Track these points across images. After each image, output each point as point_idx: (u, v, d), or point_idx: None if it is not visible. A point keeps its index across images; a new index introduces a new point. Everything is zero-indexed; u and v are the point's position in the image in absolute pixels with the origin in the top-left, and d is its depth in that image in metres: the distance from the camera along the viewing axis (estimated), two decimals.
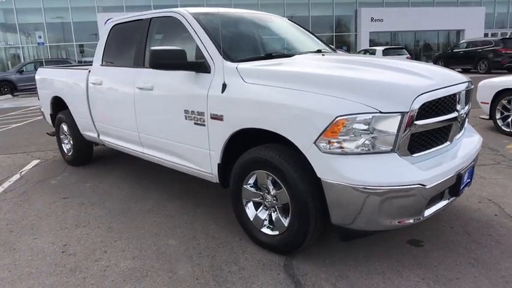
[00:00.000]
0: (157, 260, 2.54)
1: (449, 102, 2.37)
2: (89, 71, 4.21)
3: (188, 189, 3.88)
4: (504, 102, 5.73)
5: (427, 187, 2.08)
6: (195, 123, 2.85)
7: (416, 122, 2.13)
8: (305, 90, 2.20)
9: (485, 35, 26.59)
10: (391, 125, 2.06)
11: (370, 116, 2.03)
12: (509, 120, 5.68)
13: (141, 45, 3.46)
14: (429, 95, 2.19)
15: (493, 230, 2.77)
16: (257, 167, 2.48)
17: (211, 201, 3.52)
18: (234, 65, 2.64)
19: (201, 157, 2.91)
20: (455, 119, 2.41)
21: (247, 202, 2.66)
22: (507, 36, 18.24)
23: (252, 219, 2.63)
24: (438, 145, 2.37)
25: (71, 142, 4.96)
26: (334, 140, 2.08)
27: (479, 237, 2.68)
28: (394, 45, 24.52)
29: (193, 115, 2.83)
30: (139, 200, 3.66)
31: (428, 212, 2.21)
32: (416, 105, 2.11)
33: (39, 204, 3.69)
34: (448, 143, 2.45)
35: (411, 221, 2.16)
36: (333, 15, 24.84)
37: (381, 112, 2.03)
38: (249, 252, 2.59)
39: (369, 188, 2.02)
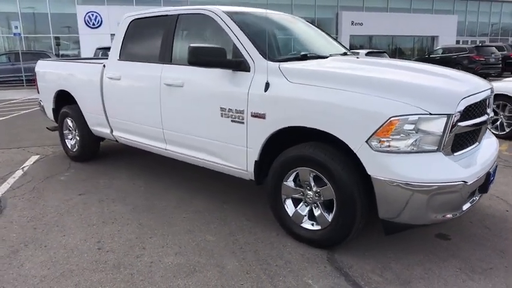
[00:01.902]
0: (201, 256, 2.57)
1: (482, 106, 2.54)
2: (104, 66, 4.13)
3: (209, 186, 3.90)
4: (493, 106, 6.09)
5: (468, 184, 2.24)
6: (232, 121, 2.88)
7: (459, 124, 2.28)
8: (356, 92, 2.29)
9: (457, 42, 27.86)
10: (438, 126, 2.19)
11: (421, 117, 2.16)
12: (498, 123, 6.05)
13: (167, 41, 3.44)
14: (469, 99, 2.35)
15: (510, 224, 2.99)
16: (300, 164, 2.55)
17: (238, 198, 3.56)
18: (276, 64, 2.70)
19: (236, 154, 2.95)
20: (485, 121, 2.59)
21: (286, 198, 2.73)
22: (480, 44, 19.21)
23: (291, 215, 2.71)
24: (471, 145, 2.54)
25: (77, 138, 4.84)
26: (386, 139, 2.19)
27: (499, 231, 2.88)
28: (372, 48, 25.20)
29: (231, 113, 2.87)
30: (161, 197, 3.64)
31: (465, 207, 2.37)
32: (460, 108, 2.26)
33: (55, 201, 3.60)
34: (477, 143, 2.63)
35: (451, 215, 2.31)
36: (315, 17, 25.23)
37: (430, 114, 2.16)
38: (289, 246, 2.66)
39: (418, 185, 2.15)
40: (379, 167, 2.21)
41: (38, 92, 5.41)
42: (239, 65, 2.83)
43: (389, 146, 2.20)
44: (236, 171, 3.05)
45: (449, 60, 17.52)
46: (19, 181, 4.19)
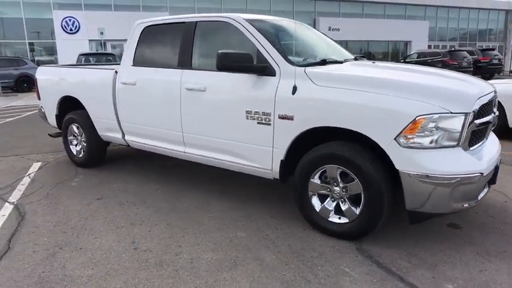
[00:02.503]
0: (238, 251, 2.70)
1: (490, 106, 2.82)
2: (116, 71, 4.19)
3: (225, 187, 4.02)
4: None
5: (484, 175, 2.49)
6: (258, 123, 3.04)
7: (475, 121, 2.53)
8: (384, 93, 2.51)
9: (429, 46, 29.12)
10: (457, 123, 2.44)
11: (442, 115, 2.39)
12: None
13: (186, 47, 3.56)
14: (482, 99, 2.62)
15: (510, 213, 3.28)
16: (328, 161, 2.74)
17: (256, 197, 3.70)
18: (302, 69, 2.88)
19: (261, 155, 3.10)
20: (492, 119, 2.87)
21: (313, 195, 2.90)
22: (453, 49, 20.19)
23: (318, 210, 2.88)
24: (481, 141, 2.80)
25: (83, 143, 4.85)
26: (412, 136, 2.41)
27: (504, 219, 3.16)
28: None
29: (257, 115, 3.02)
30: (180, 199, 3.73)
31: (480, 197, 2.62)
32: (476, 107, 2.51)
33: (75, 205, 3.62)
34: (485, 139, 2.90)
35: (468, 204, 2.55)
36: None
37: (451, 112, 2.40)
38: (319, 239, 2.83)
39: (443, 177, 2.38)
40: (407, 162, 2.43)
41: (39, 99, 5.36)
42: (264, 70, 2.99)
43: (414, 143, 2.42)
44: (260, 171, 3.20)
45: (424, 64, 18.31)
46: (30, 188, 4.17)
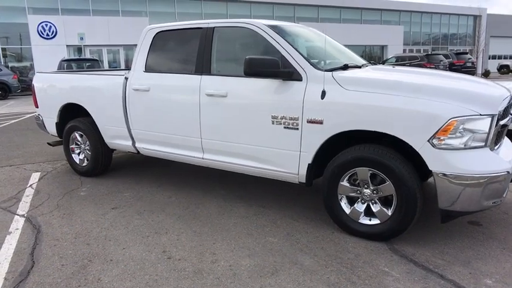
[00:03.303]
0: (273, 256, 2.70)
1: (508, 108, 2.95)
2: (126, 78, 4.11)
3: (242, 192, 4.01)
4: None
5: (510, 173, 2.61)
6: (285, 128, 3.06)
7: (499, 122, 2.65)
8: (415, 97, 2.59)
9: (404, 50, 30.06)
10: (485, 125, 2.54)
11: (473, 117, 2.50)
12: None
13: (204, 52, 3.54)
14: (504, 102, 2.74)
15: None
16: (359, 164, 2.79)
17: (274, 202, 3.71)
18: (329, 74, 2.93)
19: (287, 159, 3.12)
20: (508, 121, 3.01)
21: (342, 197, 2.95)
22: (430, 53, 20.93)
23: (348, 213, 2.93)
24: (500, 142, 2.93)
25: (87, 152, 4.72)
26: (444, 138, 2.50)
27: None
28: None
29: (284, 120, 3.05)
30: (199, 206, 3.69)
31: (504, 194, 2.74)
32: (500, 109, 2.64)
33: (91, 216, 3.52)
34: (503, 139, 3.04)
35: (495, 202, 2.66)
36: None
37: (480, 115, 2.51)
38: (350, 241, 2.87)
39: (474, 176, 2.48)
40: (440, 162, 2.51)
41: (37, 107, 5.18)
42: (291, 75, 3.02)
43: (446, 144, 2.51)
44: (285, 175, 3.22)
45: None
46: (37, 199, 4.01)
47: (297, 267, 2.55)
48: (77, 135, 4.77)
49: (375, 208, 2.84)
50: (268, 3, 26.67)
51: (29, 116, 11.17)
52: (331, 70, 3.03)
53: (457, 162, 2.49)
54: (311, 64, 3.02)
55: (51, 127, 5.06)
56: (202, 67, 3.54)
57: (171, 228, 3.21)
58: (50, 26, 19.66)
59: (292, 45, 3.14)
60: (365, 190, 2.86)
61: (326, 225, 3.15)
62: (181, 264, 2.63)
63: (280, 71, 3.00)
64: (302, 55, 3.07)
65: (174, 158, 3.98)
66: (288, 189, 4.05)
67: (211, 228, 3.19)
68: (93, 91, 4.40)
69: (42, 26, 19.42)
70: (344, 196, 2.94)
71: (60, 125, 4.95)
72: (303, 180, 3.14)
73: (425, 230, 3.03)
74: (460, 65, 19.36)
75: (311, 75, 2.97)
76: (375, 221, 2.85)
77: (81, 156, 4.83)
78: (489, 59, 32.29)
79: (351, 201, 2.95)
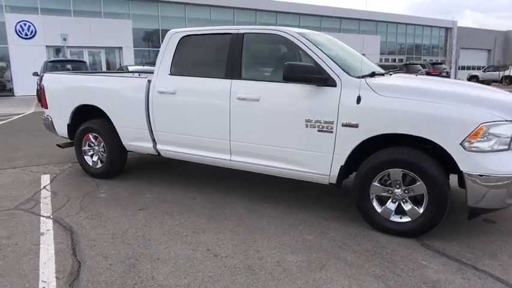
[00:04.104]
0: (315, 252, 2.84)
1: None
2: (148, 80, 4.16)
3: (264, 193, 4.12)
4: None
5: None
6: (319, 131, 3.22)
7: None
8: (448, 103, 2.81)
9: (380, 59, 31.11)
10: (509, 130, 2.80)
11: (500, 123, 2.75)
12: None
13: (235, 57, 3.65)
14: None
15: None
16: (393, 165, 2.98)
17: (298, 203, 3.85)
18: (363, 80, 3.12)
19: (320, 161, 3.27)
20: None
21: (374, 197, 3.13)
22: (408, 62, 21.82)
23: (380, 212, 3.11)
24: None
25: (101, 154, 4.70)
26: (474, 141, 2.74)
27: None
28: None
29: (318, 123, 3.21)
30: (226, 207, 3.78)
31: None
32: None
33: (119, 217, 3.53)
34: None
35: None
36: None
37: (506, 120, 2.77)
38: (383, 238, 3.05)
39: (501, 177, 2.72)
40: (471, 164, 2.74)
41: (46, 107, 5.10)
42: (326, 81, 3.19)
43: (476, 147, 2.75)
44: (316, 177, 3.37)
45: None
46: (56, 201, 3.97)
47: (342, 262, 2.70)
48: (91, 136, 4.74)
49: (406, 207, 3.04)
50: (251, 9, 26.97)
51: (17, 117, 10.83)
52: (362, 77, 3.22)
53: (486, 164, 2.73)
54: (345, 71, 3.20)
55: (62, 128, 4.99)
56: (233, 71, 3.65)
57: (206, 228, 3.29)
58: (29, 26, 19.05)
59: (325, 53, 3.31)
60: (396, 190, 3.05)
61: (355, 223, 3.32)
62: (229, 261, 2.72)
63: (316, 77, 3.17)
64: (336, 62, 3.25)
65: (198, 160, 4.05)
66: (309, 190, 4.21)
67: (246, 227, 3.29)
68: (113, 93, 4.41)
69: (21, 25, 18.78)
70: (375, 196, 3.13)
71: (71, 127, 4.90)
72: (334, 181, 3.30)
73: (448, 226, 3.26)
74: (436, 75, 20.28)
75: (345, 82, 3.15)
76: (406, 219, 3.05)
77: (95, 158, 4.80)
78: (459, 69, 33.95)
79: (381, 200, 3.14)
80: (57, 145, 5.26)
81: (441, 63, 22.51)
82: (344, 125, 3.11)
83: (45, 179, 4.76)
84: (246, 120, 3.57)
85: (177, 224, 3.38)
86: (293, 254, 2.81)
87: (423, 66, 20.21)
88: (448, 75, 21.04)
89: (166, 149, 4.19)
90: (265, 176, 3.93)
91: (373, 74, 3.41)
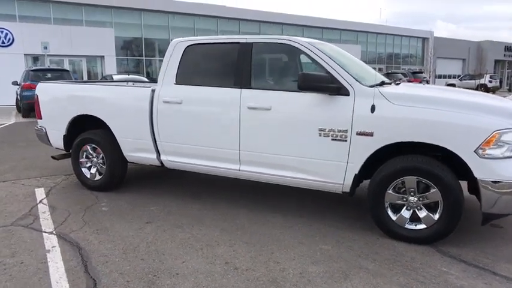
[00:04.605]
0: (336, 262, 2.82)
1: None
2: (152, 90, 4.08)
3: (270, 203, 4.09)
4: None
5: None
6: (332, 140, 3.22)
7: None
8: (460, 112, 2.87)
9: None
10: None
11: (510, 130, 2.82)
12: None
13: (244, 67, 3.62)
14: None
15: None
16: (408, 173, 3.01)
17: (308, 213, 3.83)
18: (376, 89, 3.16)
19: (334, 169, 3.27)
20: None
21: (389, 205, 3.15)
22: (389, 71, 22.36)
23: (395, 219, 3.13)
24: None
25: (99, 165, 4.56)
26: (487, 148, 2.80)
27: None
28: None
29: (332, 132, 3.21)
30: (235, 217, 3.72)
31: None
32: None
33: (127, 231, 3.42)
34: None
35: None
36: None
37: None
38: (399, 246, 3.07)
39: None
40: (485, 170, 2.80)
41: (40, 118, 4.92)
42: (339, 90, 3.21)
43: (488, 154, 2.81)
44: (328, 185, 3.37)
45: None
46: (57, 216, 3.81)
47: (364, 271, 2.69)
48: (89, 148, 4.60)
49: (421, 214, 3.07)
50: (235, 19, 27.11)
51: None
52: (373, 86, 3.26)
53: (499, 170, 2.80)
54: (357, 80, 3.23)
55: (57, 140, 4.82)
56: (242, 81, 3.62)
57: (220, 240, 3.22)
58: (6, 33, 18.47)
59: (336, 62, 3.34)
60: (411, 197, 3.08)
61: (369, 232, 3.32)
62: (251, 274, 2.66)
63: (330, 86, 3.19)
64: (347, 72, 3.28)
65: (205, 170, 3.98)
66: (318, 199, 4.19)
67: (260, 239, 3.24)
68: (115, 103, 4.30)
69: None
70: (390, 204, 3.15)
71: (68, 138, 4.74)
72: (347, 190, 3.31)
73: (458, 233, 3.30)
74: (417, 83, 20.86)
75: (358, 91, 3.18)
76: (421, 226, 3.08)
77: (93, 170, 4.65)
78: (436, 78, 35.08)
79: (395, 208, 3.16)
80: (52, 157, 5.07)
81: (421, 72, 23.21)
82: (359, 134, 3.13)
83: (40, 193, 4.57)
84: (256, 130, 3.54)
85: (189, 236, 3.29)
86: (314, 265, 2.78)
87: (404, 75, 20.78)
88: (428, 83, 21.70)
89: (171, 159, 4.11)
90: (270, 185, 3.90)
91: (382, 83, 3.46)
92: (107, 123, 4.37)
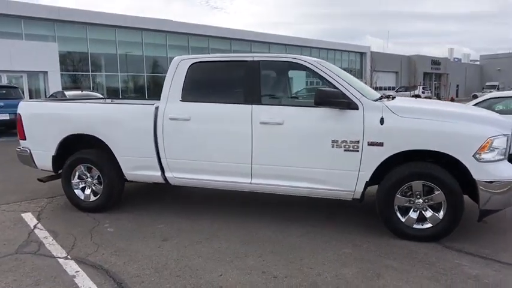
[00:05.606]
0: (364, 263, 3.05)
1: None
2: (156, 107, 4.07)
3: (282, 214, 4.24)
4: None
5: None
6: (345, 150, 3.49)
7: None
8: (459, 122, 3.31)
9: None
10: (504, 142, 3.38)
11: (500, 136, 3.30)
12: None
13: (254, 84, 3.78)
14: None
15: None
16: (415, 178, 3.37)
17: (318, 222, 4.03)
18: (382, 103, 3.50)
19: (346, 178, 3.54)
20: None
21: (397, 207, 3.48)
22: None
23: (404, 221, 3.46)
24: None
25: (95, 186, 4.40)
26: (482, 153, 3.25)
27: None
28: None
29: (344, 143, 3.48)
30: (251, 230, 3.81)
31: None
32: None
33: (148, 250, 3.37)
34: None
35: None
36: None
37: (504, 134, 3.34)
38: (410, 245, 3.38)
39: (506, 181, 3.25)
40: (482, 172, 3.24)
41: (23, 138, 4.62)
42: (349, 104, 3.50)
43: (483, 158, 3.26)
44: (339, 193, 3.62)
45: None
46: (63, 241, 3.62)
47: (391, 269, 2.95)
48: (82, 168, 4.42)
49: (427, 214, 3.43)
50: (184, 33, 27.01)
51: None
52: (376, 100, 3.61)
53: (493, 172, 3.25)
54: (364, 95, 3.56)
55: (45, 161, 4.56)
56: (253, 97, 3.78)
57: (246, 251, 3.30)
58: None
59: (343, 79, 3.64)
60: (417, 200, 3.44)
61: (378, 233, 3.61)
62: (291, 281, 2.79)
63: (342, 101, 3.47)
64: (355, 88, 3.60)
65: (213, 185, 4.04)
66: (319, 207, 4.42)
67: (283, 247, 3.38)
68: (114, 120, 4.20)
69: None
70: (399, 206, 3.48)
71: (57, 158, 4.51)
72: (358, 196, 3.59)
73: (456, 230, 3.72)
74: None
75: (366, 105, 3.50)
76: (427, 225, 3.44)
77: (87, 191, 4.46)
78: (375, 90, 37.67)
79: (402, 211, 3.50)
80: (38, 179, 4.77)
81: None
82: (370, 144, 3.43)
83: (30, 218, 4.28)
84: (269, 144, 3.71)
85: (214, 251, 3.33)
86: (345, 267, 2.99)
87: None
88: None
89: (177, 176, 4.11)
90: (269, 196, 4.06)
91: (381, 98, 3.83)
92: (106, 142, 4.25)
